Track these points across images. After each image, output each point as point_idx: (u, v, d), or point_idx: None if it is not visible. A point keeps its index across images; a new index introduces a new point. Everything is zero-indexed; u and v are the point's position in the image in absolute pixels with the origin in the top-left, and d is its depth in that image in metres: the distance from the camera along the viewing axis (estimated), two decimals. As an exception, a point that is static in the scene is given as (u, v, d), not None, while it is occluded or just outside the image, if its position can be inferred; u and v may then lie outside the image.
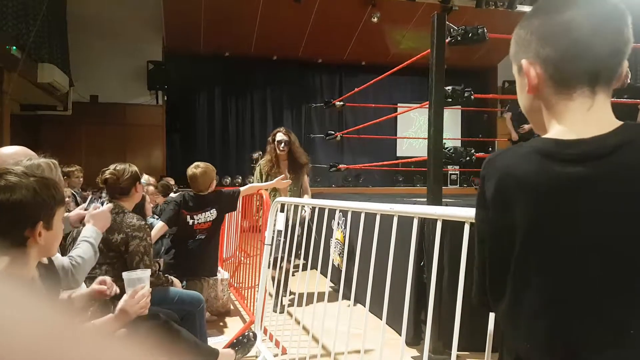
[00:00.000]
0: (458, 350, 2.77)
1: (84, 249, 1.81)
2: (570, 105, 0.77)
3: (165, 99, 9.66)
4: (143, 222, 2.47)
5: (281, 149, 4.08)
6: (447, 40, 3.45)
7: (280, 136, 4.10)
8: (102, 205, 2.12)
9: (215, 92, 10.56)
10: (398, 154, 11.15)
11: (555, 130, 0.78)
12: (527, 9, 10.29)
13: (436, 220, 1.58)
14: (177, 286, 3.10)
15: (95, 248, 1.87)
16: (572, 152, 0.73)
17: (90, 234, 1.91)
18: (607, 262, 0.71)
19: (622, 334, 0.70)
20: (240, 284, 4.18)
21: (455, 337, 1.46)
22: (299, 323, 3.05)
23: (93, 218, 1.97)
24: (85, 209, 2.15)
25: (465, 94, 3.70)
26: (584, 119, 0.76)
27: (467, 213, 1.44)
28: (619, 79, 0.77)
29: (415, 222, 1.69)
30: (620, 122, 0.75)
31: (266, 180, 3.95)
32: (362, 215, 2.04)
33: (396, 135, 10.86)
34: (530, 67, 0.79)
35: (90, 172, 6.36)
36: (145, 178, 4.14)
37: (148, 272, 1.81)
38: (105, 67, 8.96)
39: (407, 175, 10.77)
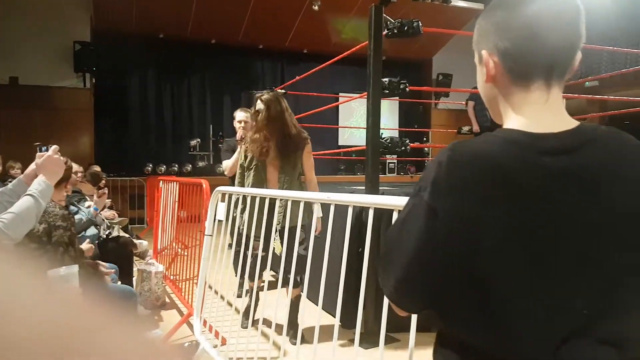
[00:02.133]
0: (396, 332, 2.88)
1: (18, 204, 1.59)
2: (528, 98, 0.80)
3: (94, 82, 9.15)
4: (67, 212, 2.35)
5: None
6: (384, 33, 3.51)
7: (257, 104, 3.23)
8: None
9: (149, 75, 10.10)
10: (340, 143, 11.27)
11: (516, 122, 0.80)
12: (461, 3, 10.68)
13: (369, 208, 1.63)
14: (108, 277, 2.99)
15: (36, 199, 1.62)
16: (546, 144, 0.75)
17: (34, 187, 1.64)
18: (582, 259, 0.73)
19: (592, 326, 0.72)
20: (177, 276, 4.09)
21: (383, 318, 1.51)
22: (238, 312, 3.04)
23: (39, 169, 1.71)
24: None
25: (401, 86, 3.79)
26: (542, 111, 0.79)
27: (397, 201, 1.50)
28: (571, 72, 0.81)
29: (350, 211, 1.73)
30: (576, 122, 0.79)
31: (249, 168, 3.03)
32: (301, 205, 2.05)
33: (338, 125, 10.96)
34: (489, 58, 0.82)
35: (10, 160, 5.97)
36: (74, 168, 3.92)
37: (75, 268, 1.71)
38: (26, 47, 8.32)
39: (348, 163, 10.93)
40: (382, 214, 2.50)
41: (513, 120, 0.80)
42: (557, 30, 0.77)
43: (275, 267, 3.22)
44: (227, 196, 2.92)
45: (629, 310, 0.73)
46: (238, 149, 3.67)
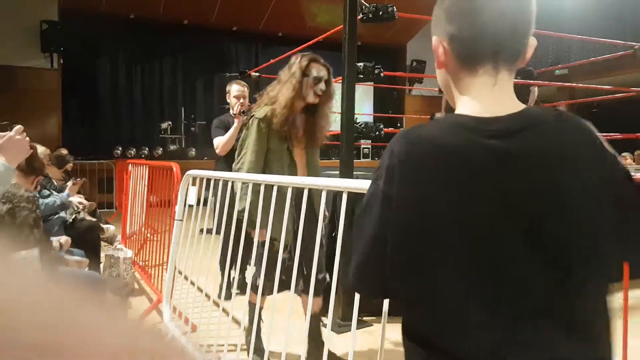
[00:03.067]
0: (368, 316, 2.90)
1: None
2: (475, 81, 0.81)
3: (62, 62, 8.83)
4: (31, 194, 2.27)
5: (319, 92, 2.41)
6: (359, 17, 3.48)
7: (321, 71, 2.48)
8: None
9: (119, 56, 9.80)
10: (312, 128, 11.21)
11: (466, 107, 0.81)
12: (436, -10, 10.67)
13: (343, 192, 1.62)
14: (78, 264, 2.92)
15: None
16: (492, 127, 0.76)
17: None
18: (531, 240, 0.73)
19: (542, 311, 0.73)
20: (147, 262, 4.01)
21: (355, 303, 1.51)
22: (209, 298, 3.00)
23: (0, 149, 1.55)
24: None
25: (376, 71, 3.78)
26: (490, 95, 0.80)
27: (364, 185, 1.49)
28: (524, 58, 0.82)
29: (324, 195, 1.71)
30: (523, 106, 0.80)
31: (268, 143, 2.37)
32: (274, 189, 2.02)
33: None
34: (439, 44, 0.84)
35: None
36: (41, 150, 3.78)
37: (36, 251, 1.65)
38: (-10, 25, 7.97)
39: (323, 148, 10.89)
40: (356, 199, 2.48)
41: (463, 105, 0.82)
42: (502, 16, 0.78)
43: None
44: (198, 180, 2.86)
45: (578, 293, 0.74)
46: (235, 124, 3.50)
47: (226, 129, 3.58)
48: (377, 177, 0.80)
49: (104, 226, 4.50)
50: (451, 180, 0.75)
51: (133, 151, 9.04)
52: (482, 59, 0.80)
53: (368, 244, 0.80)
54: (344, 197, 1.63)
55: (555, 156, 0.75)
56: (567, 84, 7.56)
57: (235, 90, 3.65)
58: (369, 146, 10.86)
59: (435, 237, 0.74)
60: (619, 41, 6.41)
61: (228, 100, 3.72)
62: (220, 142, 3.58)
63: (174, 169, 3.34)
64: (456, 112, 0.83)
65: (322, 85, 2.36)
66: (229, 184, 2.46)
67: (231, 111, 3.64)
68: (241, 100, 3.58)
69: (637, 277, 0.81)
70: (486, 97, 0.80)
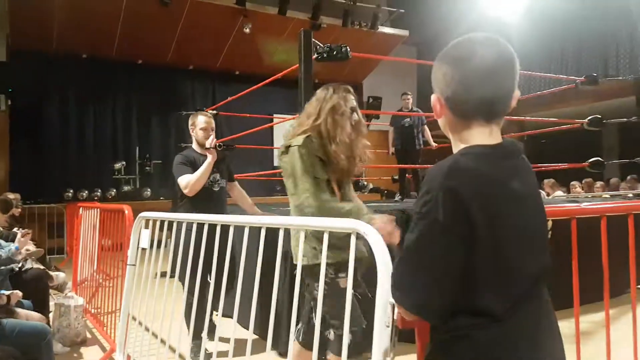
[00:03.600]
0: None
1: None
2: (471, 132, 0.98)
3: (10, 103, 8.53)
4: None
5: (353, 122, 2.27)
6: (314, 56, 3.56)
7: (353, 100, 2.35)
8: None
9: (70, 96, 9.52)
10: (275, 164, 11.20)
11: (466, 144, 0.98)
12: (387, 29, 11.10)
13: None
14: (21, 316, 2.73)
15: None
16: (500, 150, 0.96)
17: None
18: (530, 233, 0.96)
19: (532, 287, 0.94)
20: (99, 309, 3.80)
21: (316, 337, 1.46)
22: (164, 343, 2.85)
23: None
24: None
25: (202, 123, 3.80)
26: (486, 140, 0.97)
27: (329, 223, 1.47)
28: (510, 108, 0.99)
29: (282, 233, 1.67)
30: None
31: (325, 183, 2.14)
32: (231, 229, 1.97)
33: (273, 145, 10.90)
34: (437, 102, 1.00)
35: None
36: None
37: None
38: None
39: (284, 184, 10.82)
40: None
41: (464, 144, 0.98)
42: (491, 85, 0.93)
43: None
44: (151, 222, 2.76)
45: (546, 275, 0.97)
46: (208, 159, 3.10)
47: (193, 165, 3.19)
48: (428, 213, 0.89)
49: (53, 273, 4.27)
50: (503, 198, 0.92)
51: (85, 193, 8.70)
52: (474, 117, 0.96)
53: (436, 272, 0.89)
54: (302, 235, 1.60)
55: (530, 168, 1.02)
56: (515, 117, 7.90)
57: (202, 122, 3.30)
58: (330, 181, 10.89)
59: (493, 241, 0.90)
60: (562, 76, 6.79)
61: (193, 134, 3.36)
62: (190, 181, 3.11)
63: (126, 212, 3.22)
64: (461, 147, 0.98)
65: (355, 116, 2.28)
66: (194, 226, 2.35)
67: (194, 145, 3.32)
68: (212, 134, 3.27)
69: None
70: (482, 141, 0.97)
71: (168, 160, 8.59)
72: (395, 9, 10.79)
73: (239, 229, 1.93)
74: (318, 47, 3.74)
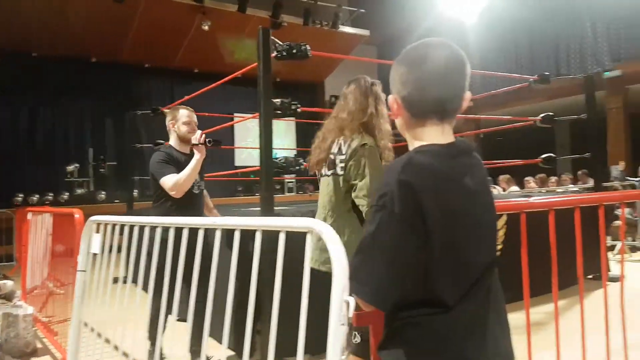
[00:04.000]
0: (292, 356, 2.79)
1: None
2: (425, 131, 1.04)
3: (-47, 103, 8.10)
4: None
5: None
6: (273, 55, 3.52)
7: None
8: None
9: (19, 96, 9.11)
10: (237, 164, 11.06)
11: (422, 142, 1.03)
12: (348, 29, 11.16)
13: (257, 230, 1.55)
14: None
15: None
16: (452, 149, 1.01)
17: None
18: (480, 228, 1.00)
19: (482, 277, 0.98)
20: (52, 318, 3.64)
21: (272, 343, 1.43)
22: (127, 356, 2.76)
23: None
24: None
25: (293, 107, 3.80)
26: (440, 138, 1.03)
27: (283, 223, 1.44)
28: (462, 109, 1.05)
29: (237, 235, 1.63)
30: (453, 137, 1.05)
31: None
32: (185, 232, 1.91)
33: (234, 146, 10.77)
34: (394, 102, 1.06)
35: None
36: None
37: None
38: None
39: (246, 184, 10.74)
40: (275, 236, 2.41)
41: (419, 142, 1.04)
42: (444, 85, 1.00)
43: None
44: (103, 226, 2.66)
45: (495, 267, 1.03)
46: (197, 157, 2.84)
47: (176, 164, 2.93)
48: (384, 206, 0.92)
49: (1, 282, 4.06)
50: (455, 193, 0.97)
51: (36, 198, 8.33)
52: (428, 116, 1.03)
53: (392, 262, 0.92)
54: (258, 235, 1.57)
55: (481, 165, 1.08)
56: (472, 116, 8.10)
57: (184, 115, 3.03)
58: (294, 180, 10.87)
59: (443, 235, 0.93)
60: (516, 75, 6.98)
61: (174, 129, 3.05)
62: (178, 181, 2.82)
63: (76, 216, 3.08)
64: (416, 145, 1.03)
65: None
66: (157, 230, 2.27)
67: (174, 142, 3.06)
68: (196, 128, 3.04)
69: None
70: (436, 139, 1.02)
71: (123, 162, 8.35)
72: (356, 9, 10.85)
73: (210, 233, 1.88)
74: (277, 45, 3.70)
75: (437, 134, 1.02)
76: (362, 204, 2.06)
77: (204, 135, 2.90)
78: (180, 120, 3.02)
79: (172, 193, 2.86)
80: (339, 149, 2.18)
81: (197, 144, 2.87)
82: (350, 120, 2.21)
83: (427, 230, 0.91)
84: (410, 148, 1.04)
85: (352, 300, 1.12)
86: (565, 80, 10.13)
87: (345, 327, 1.17)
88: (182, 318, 1.95)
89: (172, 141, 3.09)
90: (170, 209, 2.91)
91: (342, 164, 2.14)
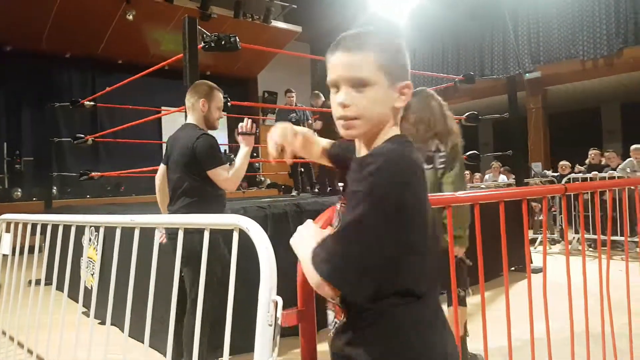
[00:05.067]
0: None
1: None
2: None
3: None
4: None
5: None
6: (200, 46, 3.39)
7: None
8: None
9: None
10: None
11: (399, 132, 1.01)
12: (280, 24, 11.08)
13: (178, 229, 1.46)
14: None
15: None
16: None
17: None
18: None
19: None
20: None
21: (196, 343, 1.36)
22: (31, 353, 2.54)
23: None
24: None
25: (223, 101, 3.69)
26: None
27: (207, 220, 1.37)
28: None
29: (157, 233, 1.53)
30: None
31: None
32: (101, 230, 1.78)
33: (162, 140, 10.36)
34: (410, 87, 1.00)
35: None
36: None
37: None
38: None
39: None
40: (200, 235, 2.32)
41: (396, 132, 1.00)
42: None
43: (87, 303, 2.76)
44: (12, 225, 2.44)
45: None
46: (246, 149, 2.53)
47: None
48: (379, 195, 0.88)
49: None
50: (425, 185, 0.95)
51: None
52: None
53: (383, 253, 0.88)
54: (180, 234, 1.48)
55: None
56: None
57: (220, 99, 2.68)
58: (224, 177, 10.62)
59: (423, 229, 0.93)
60: (442, 75, 7.24)
61: (203, 113, 2.61)
62: (237, 172, 2.52)
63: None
64: (393, 135, 0.99)
65: None
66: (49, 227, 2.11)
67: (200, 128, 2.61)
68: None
69: None
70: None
71: (41, 156, 7.79)
72: (287, 4, 10.79)
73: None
74: (205, 36, 3.57)
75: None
76: (450, 189, 2.51)
77: (254, 124, 2.56)
78: (216, 104, 2.65)
79: (225, 185, 2.50)
80: (437, 148, 2.60)
81: (245, 133, 2.50)
82: (425, 130, 2.62)
83: (413, 222, 0.90)
84: (382, 136, 0.98)
85: (280, 300, 1.10)
86: (489, 80, 10.67)
87: (272, 327, 1.13)
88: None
89: (195, 121, 2.61)
90: (224, 203, 2.59)
91: (442, 159, 2.59)
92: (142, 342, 1.63)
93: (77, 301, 2.42)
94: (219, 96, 2.66)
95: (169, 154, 2.64)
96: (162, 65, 4.04)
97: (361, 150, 1.02)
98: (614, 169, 6.79)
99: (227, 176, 2.46)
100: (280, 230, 3.17)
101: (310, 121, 6.73)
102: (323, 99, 6.63)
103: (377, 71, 0.95)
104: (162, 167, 2.73)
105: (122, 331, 1.76)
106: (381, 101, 0.96)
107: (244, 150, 2.52)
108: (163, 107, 9.75)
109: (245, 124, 2.47)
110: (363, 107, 0.95)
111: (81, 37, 9.07)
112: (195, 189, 2.46)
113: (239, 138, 2.51)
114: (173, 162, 2.56)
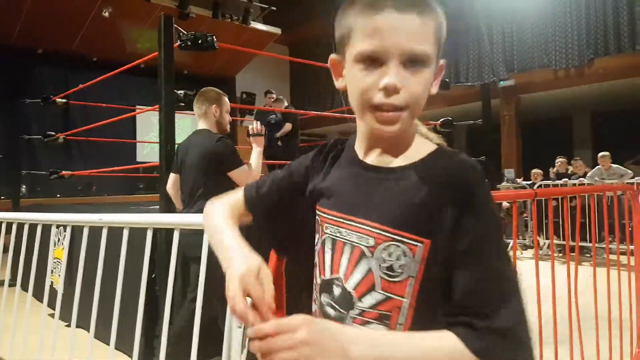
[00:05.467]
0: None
1: None
2: None
3: None
4: None
5: None
6: (176, 44, 3.35)
7: None
8: None
9: None
10: (139, 159, 10.47)
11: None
12: (259, 26, 11.04)
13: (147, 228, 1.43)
14: None
15: None
16: None
17: None
18: None
19: None
20: None
21: (194, 347, 1.33)
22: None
23: None
24: None
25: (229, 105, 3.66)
26: None
27: (177, 219, 1.35)
28: None
29: (126, 233, 1.50)
30: None
31: None
32: (68, 229, 1.73)
33: (135, 140, 10.19)
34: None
35: None
36: None
37: None
38: None
39: (148, 181, 10.19)
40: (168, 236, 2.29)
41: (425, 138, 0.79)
42: None
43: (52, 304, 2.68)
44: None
45: None
46: (259, 149, 2.69)
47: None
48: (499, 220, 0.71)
49: None
50: None
51: None
52: None
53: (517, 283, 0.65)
54: (149, 234, 1.45)
55: None
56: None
57: (228, 104, 2.86)
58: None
59: None
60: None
61: (215, 118, 2.77)
62: (255, 173, 2.64)
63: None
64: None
65: None
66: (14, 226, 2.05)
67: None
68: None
69: None
70: None
71: (10, 155, 7.59)
72: (267, 6, 10.76)
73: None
74: (181, 34, 3.53)
75: None
76: None
77: (263, 126, 2.73)
78: (226, 108, 2.83)
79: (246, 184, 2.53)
80: None
81: (256, 135, 2.68)
82: None
83: None
84: (420, 144, 0.75)
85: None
86: (464, 87, 10.83)
87: (242, 329, 1.11)
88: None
89: (208, 127, 2.75)
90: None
91: None
92: (109, 345, 1.59)
93: (41, 301, 2.35)
94: (227, 101, 2.84)
95: (181, 160, 2.71)
96: (138, 62, 3.99)
97: (373, 156, 0.75)
98: (583, 177, 6.97)
99: (248, 176, 2.54)
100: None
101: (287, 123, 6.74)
102: (287, 103, 6.76)
103: (434, 46, 0.70)
104: (173, 176, 2.83)
105: (89, 332, 1.71)
106: (428, 88, 0.72)
107: (257, 151, 2.68)
108: (138, 106, 9.62)
109: (255, 126, 2.66)
110: (416, 94, 0.68)
111: (55, 33, 8.87)
112: (214, 191, 2.46)
113: (251, 139, 2.68)
114: (189, 167, 2.62)
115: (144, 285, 1.46)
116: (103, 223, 1.59)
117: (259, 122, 2.74)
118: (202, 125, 2.75)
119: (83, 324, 2.35)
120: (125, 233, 1.52)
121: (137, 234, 1.59)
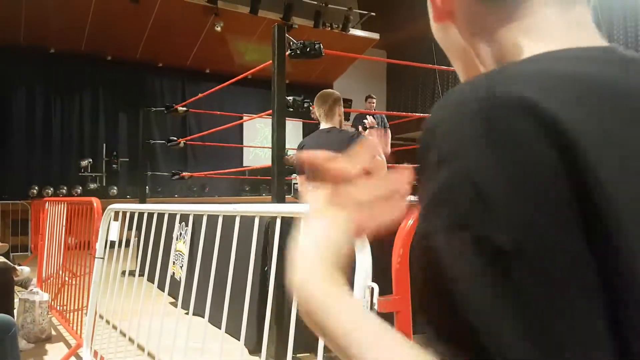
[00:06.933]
0: (301, 353, 2.84)
1: None
2: (538, 24, 0.42)
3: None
4: None
5: None
6: (287, 53, 3.58)
7: None
8: None
9: (36, 92, 9.24)
10: (244, 164, 11.16)
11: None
12: (358, 32, 11.22)
13: (277, 218, 1.61)
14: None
15: None
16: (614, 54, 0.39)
17: None
18: None
19: None
20: (65, 307, 3.71)
21: (290, 339, 1.47)
22: (132, 342, 2.82)
23: None
24: None
25: (305, 104, 3.86)
26: (573, 36, 0.42)
27: (280, 209, 1.51)
28: None
29: (257, 222, 1.69)
30: None
31: None
32: (204, 219, 1.98)
33: (242, 144, 10.86)
34: None
35: None
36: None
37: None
38: None
39: (253, 184, 10.83)
40: (288, 229, 2.47)
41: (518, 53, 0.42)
42: None
43: (173, 293, 3.01)
44: (121, 214, 2.74)
45: None
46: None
47: None
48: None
49: (18, 267, 4.13)
50: None
51: (50, 190, 8.47)
52: None
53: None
54: (278, 222, 1.63)
55: None
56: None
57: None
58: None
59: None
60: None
61: (339, 114, 3.10)
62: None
63: (95, 204, 3.16)
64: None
65: None
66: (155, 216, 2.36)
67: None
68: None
69: None
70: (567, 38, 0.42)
71: (135, 158, 8.46)
72: (366, 12, 10.92)
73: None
74: (292, 43, 3.77)
75: (564, 28, 0.42)
76: None
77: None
78: (340, 110, 3.12)
79: None
80: None
81: (372, 127, 2.97)
82: None
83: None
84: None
85: (376, 287, 1.07)
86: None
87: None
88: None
89: (334, 124, 3.05)
90: None
91: None
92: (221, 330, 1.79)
93: (163, 290, 2.65)
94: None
95: None
96: (251, 72, 4.30)
97: None
98: None
99: (384, 166, 2.59)
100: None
101: (387, 129, 6.78)
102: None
103: None
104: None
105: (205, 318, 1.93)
106: None
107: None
108: (245, 115, 10.26)
109: (370, 120, 2.93)
110: None
111: (173, 49, 9.77)
112: None
113: (366, 133, 2.89)
114: None
115: (251, 273, 1.63)
116: (236, 212, 1.80)
117: (371, 117, 2.95)
118: (327, 124, 2.99)
119: (200, 312, 2.63)
120: (257, 222, 1.71)
121: (248, 225, 1.76)
